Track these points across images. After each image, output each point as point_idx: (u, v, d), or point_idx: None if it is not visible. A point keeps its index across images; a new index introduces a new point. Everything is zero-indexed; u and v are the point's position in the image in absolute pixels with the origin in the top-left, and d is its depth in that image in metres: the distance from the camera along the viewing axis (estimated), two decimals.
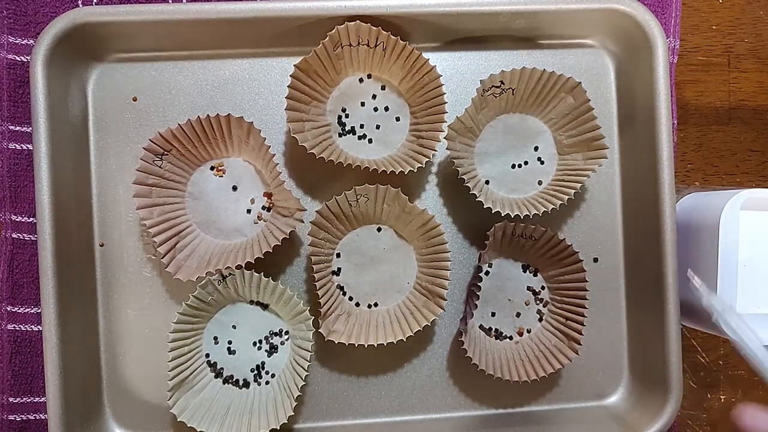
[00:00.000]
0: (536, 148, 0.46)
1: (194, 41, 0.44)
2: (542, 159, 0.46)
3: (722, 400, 0.50)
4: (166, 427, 0.44)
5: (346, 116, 0.45)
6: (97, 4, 0.45)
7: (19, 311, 0.44)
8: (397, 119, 0.45)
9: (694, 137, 0.50)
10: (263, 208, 0.44)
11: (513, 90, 0.44)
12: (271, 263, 0.44)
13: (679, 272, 0.44)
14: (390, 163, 0.43)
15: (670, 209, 0.43)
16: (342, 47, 0.42)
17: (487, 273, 0.46)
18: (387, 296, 0.45)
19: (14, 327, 0.44)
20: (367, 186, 0.42)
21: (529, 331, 0.46)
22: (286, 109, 0.42)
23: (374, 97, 0.45)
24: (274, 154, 0.42)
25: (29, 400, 0.45)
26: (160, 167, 0.42)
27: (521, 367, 0.44)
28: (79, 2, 0.45)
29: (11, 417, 0.44)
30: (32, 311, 0.45)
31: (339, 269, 0.45)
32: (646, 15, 0.43)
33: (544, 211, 0.43)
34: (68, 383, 0.41)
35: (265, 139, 0.41)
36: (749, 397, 0.50)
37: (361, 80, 0.45)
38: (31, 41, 0.45)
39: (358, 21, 0.41)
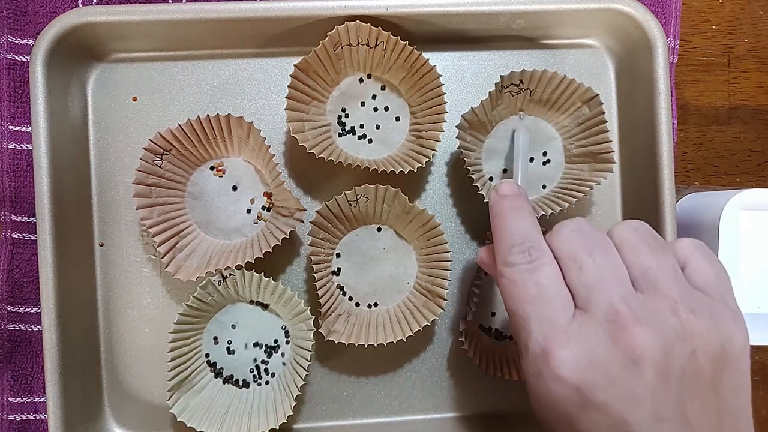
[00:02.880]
0: (545, 153, 0.46)
1: (194, 41, 0.44)
2: (548, 165, 0.46)
3: None
4: (166, 427, 0.44)
5: (346, 116, 0.45)
6: (97, 4, 0.45)
7: (19, 311, 0.44)
8: (397, 119, 0.45)
9: (694, 137, 0.50)
10: (263, 208, 0.44)
11: (531, 91, 0.43)
12: (271, 263, 0.44)
13: None
14: (390, 163, 0.43)
15: (670, 209, 0.43)
16: (342, 47, 0.42)
17: (487, 273, 0.46)
18: (387, 296, 0.45)
19: (14, 327, 0.44)
20: (367, 186, 0.42)
21: None
22: (286, 109, 0.42)
23: (374, 97, 0.45)
24: (274, 154, 0.42)
25: (29, 400, 0.45)
26: (160, 167, 0.42)
27: (521, 367, 0.44)
28: (79, 2, 0.45)
29: (11, 417, 0.44)
30: (32, 311, 0.45)
31: (339, 269, 0.45)
32: (646, 15, 0.43)
33: (543, 215, 0.43)
34: (68, 383, 0.41)
35: (265, 139, 0.41)
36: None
37: (361, 80, 0.45)
38: (31, 41, 0.45)
39: (358, 21, 0.41)
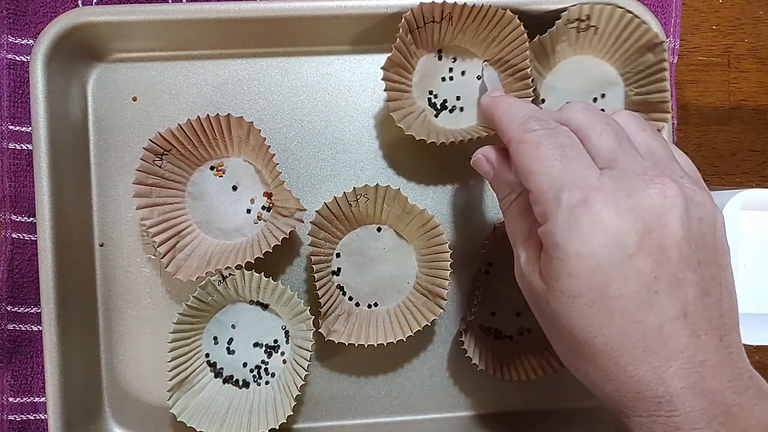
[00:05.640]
0: (603, 96, 0.45)
1: (194, 41, 0.44)
2: (605, 110, 0.45)
3: None
4: (166, 427, 0.44)
5: (435, 96, 0.45)
6: (97, 4, 0.45)
7: (19, 311, 0.44)
8: (478, 77, 0.45)
9: (694, 137, 0.50)
10: (263, 208, 0.44)
11: (597, 29, 0.43)
12: (271, 263, 0.44)
13: None
14: (482, 128, 0.43)
15: None
16: (417, 29, 0.42)
17: (487, 273, 0.46)
18: (387, 296, 0.45)
19: (14, 327, 0.44)
20: (367, 186, 0.42)
21: (529, 331, 0.46)
22: (391, 113, 0.41)
23: (450, 69, 0.45)
24: (274, 154, 0.41)
25: (29, 400, 0.45)
26: (160, 167, 0.42)
27: (521, 367, 0.44)
28: (79, 2, 0.45)
29: (11, 417, 0.44)
30: (32, 311, 0.45)
31: (339, 269, 0.45)
32: (646, 15, 0.43)
33: None
34: (68, 383, 0.41)
35: (265, 139, 0.41)
36: None
37: (440, 57, 0.44)
38: (31, 41, 0.45)
39: (421, 1, 0.41)
